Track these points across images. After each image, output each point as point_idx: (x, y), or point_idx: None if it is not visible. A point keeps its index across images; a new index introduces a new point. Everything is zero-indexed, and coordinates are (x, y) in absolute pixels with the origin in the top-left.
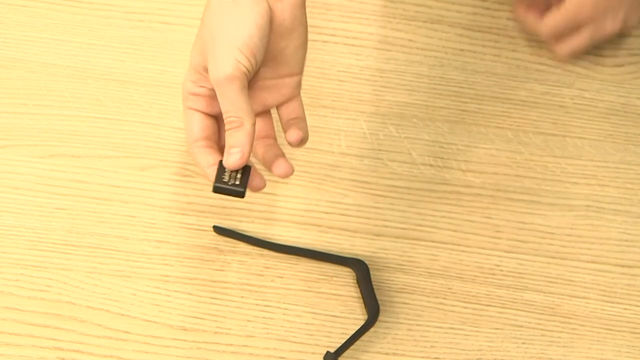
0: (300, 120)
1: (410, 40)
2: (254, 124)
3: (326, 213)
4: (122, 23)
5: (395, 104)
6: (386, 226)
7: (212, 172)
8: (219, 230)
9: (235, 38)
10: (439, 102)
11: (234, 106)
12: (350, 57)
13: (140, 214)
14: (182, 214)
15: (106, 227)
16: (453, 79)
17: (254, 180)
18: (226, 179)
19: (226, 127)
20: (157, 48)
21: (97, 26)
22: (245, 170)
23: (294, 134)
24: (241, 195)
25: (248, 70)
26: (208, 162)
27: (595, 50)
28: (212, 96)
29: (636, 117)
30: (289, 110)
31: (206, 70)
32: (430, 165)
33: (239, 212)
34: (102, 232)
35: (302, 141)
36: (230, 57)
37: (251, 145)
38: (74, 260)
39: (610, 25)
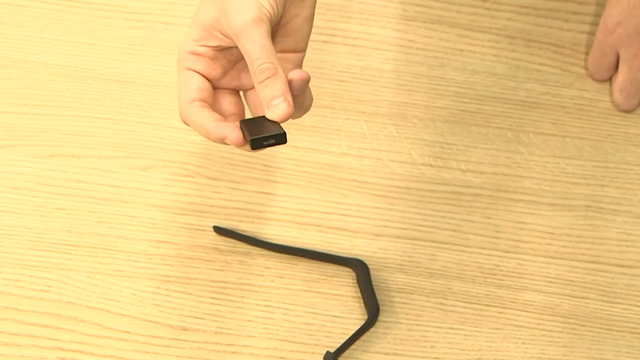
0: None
1: (410, 40)
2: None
3: (326, 213)
4: (122, 23)
5: (395, 104)
6: (386, 226)
7: (216, 128)
8: (219, 230)
9: None
10: (439, 102)
11: (265, 51)
12: (350, 57)
13: (140, 214)
14: (182, 214)
15: (106, 227)
16: (453, 79)
17: (295, 73)
18: (256, 132)
19: (258, 77)
20: (157, 48)
21: (97, 26)
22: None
23: (299, 72)
24: (284, 137)
25: (271, 17)
26: (207, 118)
27: None
28: (213, 58)
29: (636, 117)
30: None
31: (216, 26)
32: (430, 166)
33: (239, 212)
34: (102, 232)
35: (307, 80)
36: (253, 3)
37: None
38: (74, 260)
39: None
